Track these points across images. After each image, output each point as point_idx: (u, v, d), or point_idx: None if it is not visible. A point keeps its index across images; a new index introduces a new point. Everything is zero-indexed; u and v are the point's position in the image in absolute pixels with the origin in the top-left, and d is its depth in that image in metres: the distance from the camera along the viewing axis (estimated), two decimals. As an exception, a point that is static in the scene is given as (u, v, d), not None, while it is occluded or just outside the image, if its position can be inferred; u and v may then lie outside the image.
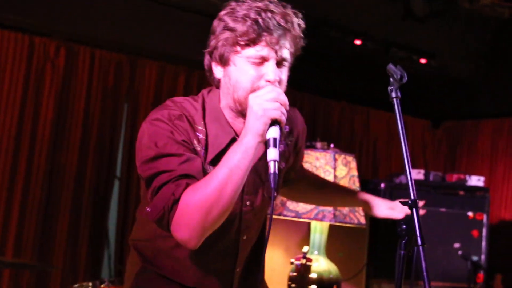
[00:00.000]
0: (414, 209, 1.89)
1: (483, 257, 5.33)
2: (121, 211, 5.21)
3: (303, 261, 2.92)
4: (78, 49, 5.05)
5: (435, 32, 5.87)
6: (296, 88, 6.24)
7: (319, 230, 3.68)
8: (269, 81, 1.98)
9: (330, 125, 6.49)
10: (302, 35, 2.09)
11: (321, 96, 6.46)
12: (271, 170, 1.85)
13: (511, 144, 6.51)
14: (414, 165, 6.52)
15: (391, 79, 2.06)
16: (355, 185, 3.66)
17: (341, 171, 3.62)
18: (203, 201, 1.88)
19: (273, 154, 1.87)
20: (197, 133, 2.06)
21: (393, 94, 2.06)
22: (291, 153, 2.34)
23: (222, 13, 2.04)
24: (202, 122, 2.08)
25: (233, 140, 2.02)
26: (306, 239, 3.80)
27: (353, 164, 3.72)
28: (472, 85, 6.67)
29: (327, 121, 6.47)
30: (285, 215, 3.62)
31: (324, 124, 6.44)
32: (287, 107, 1.94)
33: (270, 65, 1.99)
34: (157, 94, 5.36)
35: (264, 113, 1.88)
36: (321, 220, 3.54)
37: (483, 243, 5.37)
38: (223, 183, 1.88)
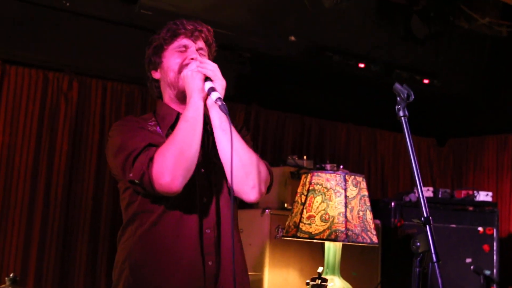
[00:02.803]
0: (428, 227, 1.85)
1: (495, 271, 5.25)
2: (137, 238, 5.16)
3: (318, 281, 2.87)
4: (90, 82, 5.05)
5: (436, 52, 5.85)
6: (303, 112, 6.22)
7: (332, 250, 3.63)
8: (192, 59, 2.36)
9: (338, 147, 6.45)
10: (213, 39, 2.52)
11: (328, 119, 6.43)
12: (219, 103, 2.20)
13: (516, 159, 6.46)
14: (422, 183, 6.46)
15: (398, 98, 2.04)
16: (366, 204, 3.61)
17: (352, 191, 3.57)
18: (174, 149, 2.18)
19: (215, 94, 2.24)
20: (149, 123, 2.40)
21: (401, 113, 2.03)
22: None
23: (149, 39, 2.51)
24: (153, 118, 2.45)
25: (178, 116, 2.36)
26: (320, 260, 3.74)
27: (363, 185, 3.67)
28: (474, 103, 6.63)
29: (334, 143, 6.43)
30: (298, 237, 3.57)
31: (331, 146, 6.40)
32: (217, 71, 2.31)
33: (192, 50, 2.41)
34: (169, 123, 5.34)
35: (196, 74, 2.29)
36: (334, 240, 3.48)
37: (495, 257, 5.29)
38: (186, 132, 2.22)
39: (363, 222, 3.51)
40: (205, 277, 2.27)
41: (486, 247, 5.28)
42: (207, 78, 2.29)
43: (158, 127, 2.40)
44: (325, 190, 3.57)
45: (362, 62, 5.63)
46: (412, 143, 2.00)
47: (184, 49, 2.41)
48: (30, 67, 4.82)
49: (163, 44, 2.44)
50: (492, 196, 5.55)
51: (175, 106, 2.44)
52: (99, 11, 4.78)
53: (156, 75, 2.49)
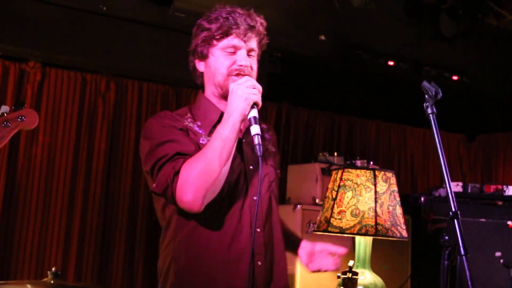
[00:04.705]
0: (456, 221, 1.85)
1: (524, 264, 5.20)
2: (173, 233, 5.21)
3: (349, 275, 2.88)
4: (127, 82, 5.12)
5: (464, 50, 5.80)
6: (333, 110, 6.22)
7: (363, 245, 3.63)
8: (241, 65, 2.27)
9: (368, 143, 6.44)
10: (265, 32, 2.39)
11: (358, 117, 6.42)
12: (256, 141, 2.09)
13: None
14: (452, 178, 6.38)
15: (426, 96, 2.03)
16: (396, 199, 3.60)
17: (382, 187, 3.57)
18: (203, 166, 2.09)
19: (256, 129, 2.13)
20: (185, 119, 2.32)
21: (429, 110, 2.03)
22: (277, 153, 2.55)
23: (199, 20, 2.40)
24: (189, 114, 2.36)
25: (221, 115, 2.24)
26: (351, 254, 3.74)
27: (393, 180, 3.66)
28: (502, 99, 6.56)
29: (364, 140, 6.42)
30: (329, 231, 3.58)
31: (361, 143, 6.39)
32: (261, 93, 2.20)
33: (242, 52, 2.30)
34: (202, 121, 5.38)
35: (247, 97, 2.15)
36: (365, 234, 3.49)
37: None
38: (219, 151, 2.10)
39: (393, 217, 3.51)
40: (254, 277, 2.21)
41: (515, 241, 5.23)
42: (254, 105, 2.17)
43: (195, 125, 2.32)
44: (356, 185, 3.57)
45: (391, 60, 5.61)
46: (440, 140, 2.00)
47: (233, 50, 2.31)
48: (69, 69, 4.90)
49: (213, 38, 2.33)
50: (521, 191, 5.49)
51: (217, 102, 2.37)
52: (134, 14, 4.84)
53: (200, 67, 2.42)
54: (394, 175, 3.67)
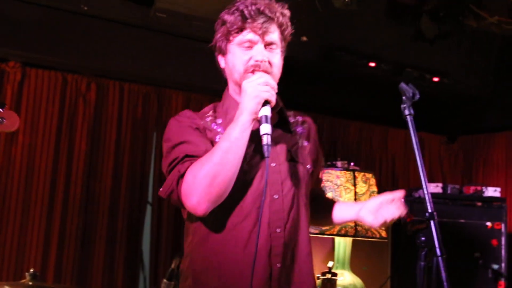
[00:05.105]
0: (432, 222, 1.85)
1: (503, 265, 5.23)
2: (154, 234, 5.19)
3: (329, 276, 2.89)
4: (108, 83, 5.09)
5: (445, 51, 5.83)
6: (315, 110, 6.22)
7: (343, 245, 3.64)
8: (257, 61, 2.16)
9: (349, 144, 6.45)
10: (288, 22, 2.27)
11: (340, 118, 6.43)
12: (264, 142, 1.99)
13: (525, 155, 6.43)
14: (433, 179, 6.44)
15: (403, 97, 2.05)
16: (375, 200, 3.62)
17: (362, 188, 3.59)
18: (208, 169, 2.00)
19: (266, 128, 2.01)
20: (206, 119, 2.25)
21: (406, 112, 2.05)
22: (312, 146, 2.41)
23: (221, 13, 2.27)
24: (212, 111, 2.29)
25: None
26: (331, 255, 3.75)
27: (373, 181, 3.68)
28: (483, 100, 6.60)
29: (346, 141, 6.43)
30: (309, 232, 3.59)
31: (343, 144, 6.40)
32: (276, 90, 2.11)
33: (258, 47, 2.18)
34: (184, 122, 5.36)
35: (258, 94, 2.05)
36: (344, 235, 3.50)
37: (503, 252, 5.26)
38: (226, 153, 2.01)
39: (373, 218, 3.51)
40: (271, 280, 2.12)
41: (494, 242, 5.26)
42: (265, 102, 2.07)
43: (214, 123, 2.24)
44: (335, 186, 3.59)
45: (373, 62, 5.63)
46: (417, 141, 2.02)
47: (249, 44, 2.19)
48: (50, 69, 4.86)
49: (229, 33, 2.22)
50: (501, 192, 5.53)
51: (239, 99, 2.21)
52: (116, 15, 4.82)
53: (221, 62, 2.31)
54: (373, 176, 3.69)
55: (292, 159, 2.25)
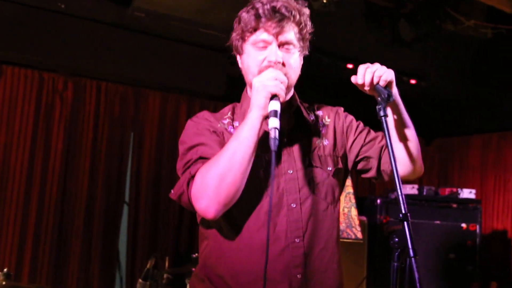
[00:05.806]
0: (405, 223, 1.86)
1: (477, 266, 5.28)
2: (131, 234, 5.17)
3: (304, 276, 2.88)
4: (85, 82, 5.06)
5: (422, 55, 5.87)
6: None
7: (318, 246, 3.65)
8: (270, 62, 2.05)
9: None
10: (307, 20, 2.15)
11: (318, 119, 6.44)
12: (272, 135, 1.87)
13: (499, 158, 6.49)
14: (408, 181, 6.48)
15: (378, 99, 2.05)
16: (351, 201, 3.63)
17: (338, 188, 3.60)
18: (215, 171, 1.92)
19: (273, 122, 1.90)
20: (223, 121, 2.14)
21: (381, 113, 2.04)
22: (338, 135, 2.34)
23: (240, 11, 2.15)
24: (230, 113, 2.17)
25: None
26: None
27: (349, 182, 3.69)
28: (459, 103, 6.66)
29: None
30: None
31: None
32: (286, 84, 2.01)
33: (271, 48, 2.06)
34: (161, 122, 5.35)
35: (263, 88, 1.95)
36: (320, 236, 3.51)
37: (477, 253, 5.32)
38: (233, 153, 1.92)
39: (348, 219, 3.53)
40: None
41: (469, 243, 5.31)
42: (274, 96, 1.96)
43: (231, 126, 2.14)
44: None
45: (350, 63, 5.65)
46: (391, 142, 2.00)
47: (264, 44, 2.08)
48: (26, 67, 4.82)
49: (244, 33, 2.10)
50: (476, 194, 5.58)
51: None
52: (94, 13, 4.79)
53: (239, 62, 2.18)
54: (349, 177, 3.70)
55: (310, 164, 2.14)
